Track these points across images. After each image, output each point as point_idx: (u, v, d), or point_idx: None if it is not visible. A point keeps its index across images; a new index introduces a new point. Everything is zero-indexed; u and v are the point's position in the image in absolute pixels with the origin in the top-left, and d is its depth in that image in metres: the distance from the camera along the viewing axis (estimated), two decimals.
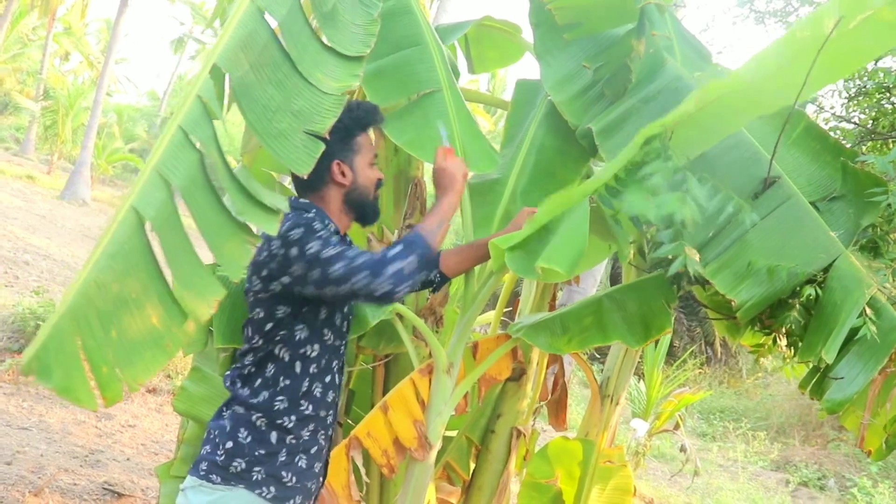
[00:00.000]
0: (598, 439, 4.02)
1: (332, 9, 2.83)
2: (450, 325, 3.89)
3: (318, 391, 2.69)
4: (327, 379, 2.72)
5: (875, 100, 7.10)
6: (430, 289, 3.08)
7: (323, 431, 2.75)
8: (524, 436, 4.07)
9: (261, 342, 2.62)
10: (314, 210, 2.68)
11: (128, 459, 6.74)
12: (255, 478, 2.58)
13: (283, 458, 2.62)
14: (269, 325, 2.61)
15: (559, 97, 3.48)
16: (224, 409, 2.70)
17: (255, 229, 2.23)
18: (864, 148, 7.11)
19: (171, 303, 2.07)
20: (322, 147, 2.42)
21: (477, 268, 3.22)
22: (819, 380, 3.15)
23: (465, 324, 3.30)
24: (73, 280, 2.05)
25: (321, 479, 2.83)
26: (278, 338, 2.61)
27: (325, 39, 2.74)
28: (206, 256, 2.23)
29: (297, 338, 2.62)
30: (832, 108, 7.91)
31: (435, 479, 4.07)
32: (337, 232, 2.70)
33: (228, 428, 2.62)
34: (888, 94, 6.83)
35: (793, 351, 3.24)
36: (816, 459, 12.64)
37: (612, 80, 3.42)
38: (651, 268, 3.72)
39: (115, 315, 2.02)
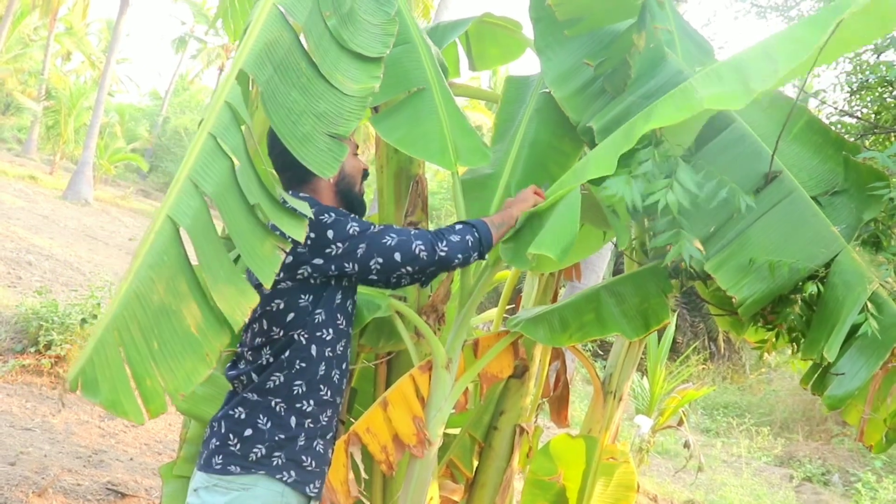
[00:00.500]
0: (601, 436, 4.01)
1: (349, 10, 2.85)
2: (450, 321, 3.89)
3: (336, 377, 2.75)
4: (343, 366, 2.79)
5: (877, 94, 7.09)
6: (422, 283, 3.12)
7: (336, 418, 2.82)
8: (527, 433, 4.06)
9: (281, 333, 2.66)
10: (316, 202, 2.71)
11: (131, 459, 6.74)
12: (275, 463, 2.61)
13: (302, 443, 2.66)
14: (290, 316, 2.65)
15: (560, 93, 3.47)
16: (229, 404, 2.71)
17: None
18: (866, 142, 7.10)
19: (209, 311, 2.10)
20: (346, 150, 2.48)
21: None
22: (821, 376, 3.14)
23: (462, 319, 3.31)
24: (115, 292, 2.08)
25: (330, 466, 2.88)
26: (298, 325, 2.66)
27: (344, 41, 2.75)
28: None
29: (316, 321, 2.67)
30: (835, 102, 7.90)
31: (438, 477, 4.07)
32: None
33: (244, 416, 2.64)
34: (891, 88, 6.82)
35: (795, 347, 3.22)
36: (820, 455, 12.64)
37: (613, 75, 3.41)
38: (653, 260, 3.71)
39: (156, 326, 2.04)
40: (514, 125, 3.70)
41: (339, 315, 2.73)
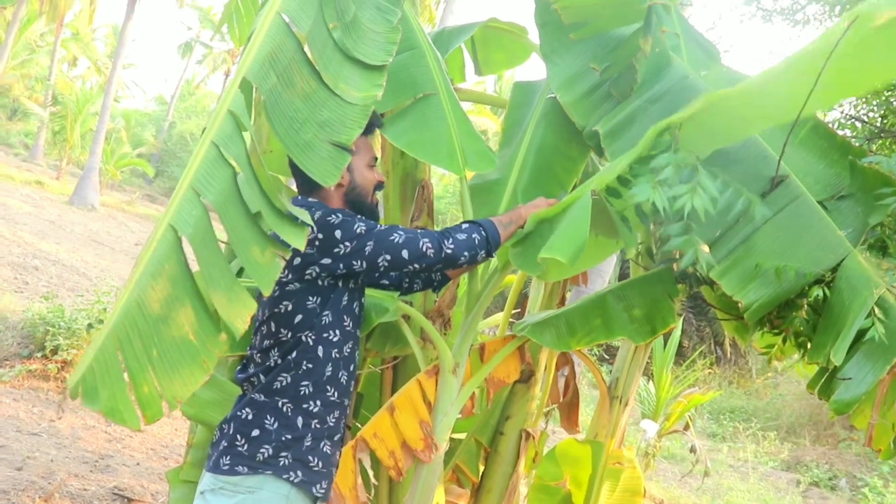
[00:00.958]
0: (608, 441, 4.01)
1: (353, 18, 2.86)
2: (457, 326, 3.89)
3: (343, 378, 2.78)
4: (351, 367, 2.82)
5: (884, 98, 7.08)
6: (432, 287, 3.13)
7: (344, 420, 2.85)
8: (533, 438, 4.07)
9: (289, 335, 2.69)
10: (325, 205, 2.76)
11: (137, 464, 6.75)
12: (281, 463, 2.63)
13: (309, 443, 2.69)
14: (299, 317, 2.68)
15: (566, 97, 3.48)
16: (237, 406, 2.74)
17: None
18: (873, 146, 7.09)
19: (207, 319, 2.12)
20: (348, 158, 2.48)
21: (480, 267, 3.27)
22: (827, 380, 3.12)
23: (469, 323, 3.31)
24: (116, 300, 2.09)
25: (337, 468, 2.90)
26: (305, 326, 2.68)
27: (347, 49, 2.76)
28: None
29: (323, 322, 2.70)
30: (841, 106, 7.89)
31: (444, 482, 4.07)
32: None
33: (252, 417, 2.68)
34: None
35: (802, 352, 3.22)
36: (827, 459, 12.61)
37: (619, 80, 3.42)
38: (660, 265, 3.71)
39: (155, 334, 2.07)
40: (521, 130, 3.72)
41: (345, 317, 2.75)
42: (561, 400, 4.44)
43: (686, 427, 9.32)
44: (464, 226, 2.79)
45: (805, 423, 14.45)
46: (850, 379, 3.00)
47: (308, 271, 2.64)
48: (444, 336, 3.55)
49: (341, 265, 2.63)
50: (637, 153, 2.55)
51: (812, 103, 2.40)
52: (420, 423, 3.28)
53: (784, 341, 3.28)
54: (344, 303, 2.73)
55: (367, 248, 2.62)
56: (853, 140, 6.68)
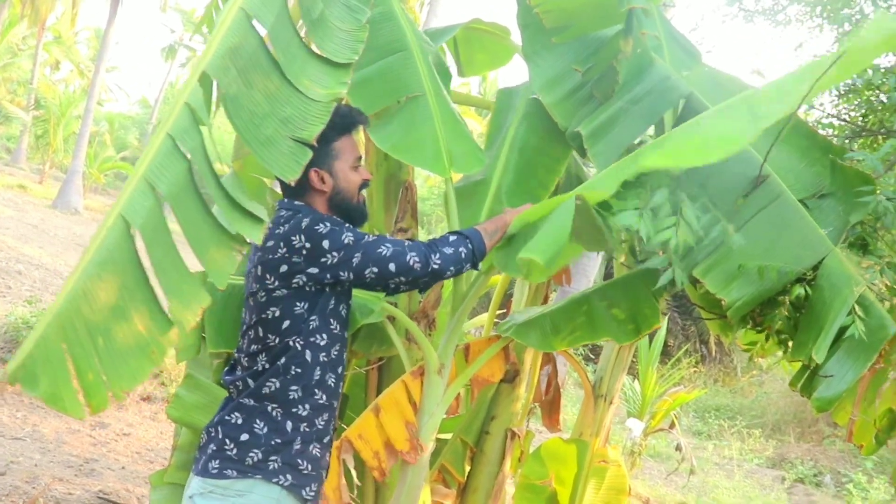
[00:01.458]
0: (593, 439, 4.03)
1: (320, 15, 2.86)
2: (442, 327, 3.90)
3: (331, 381, 2.77)
4: (339, 369, 2.81)
5: (865, 97, 7.12)
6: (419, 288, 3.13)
7: (334, 422, 2.84)
8: (518, 437, 4.08)
9: (277, 340, 2.69)
10: (312, 210, 2.75)
11: (122, 468, 6.73)
12: (271, 467, 2.63)
13: (298, 447, 2.69)
14: (286, 323, 2.68)
15: (549, 98, 3.48)
16: (225, 409, 2.73)
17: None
18: (854, 145, 7.12)
19: (158, 311, 2.12)
20: (309, 154, 2.48)
21: None
22: (809, 378, 3.15)
23: (454, 324, 3.32)
24: (60, 288, 2.07)
25: (328, 470, 2.90)
26: (293, 332, 2.68)
27: (313, 46, 2.76)
28: (192, 263, 2.24)
29: (310, 327, 2.69)
30: (822, 105, 7.93)
31: (430, 482, 4.07)
32: None
33: (241, 421, 2.67)
34: (878, 92, 6.85)
35: (784, 349, 3.24)
36: (812, 456, 12.65)
37: (601, 81, 3.42)
38: (640, 265, 3.73)
39: (101, 323, 2.06)
40: (503, 132, 3.72)
41: (332, 320, 2.74)
42: (543, 398, 4.46)
43: (671, 425, 9.36)
44: (451, 238, 2.78)
45: (790, 421, 14.50)
46: (831, 376, 3.04)
47: (295, 280, 2.63)
48: (428, 337, 3.56)
49: (328, 275, 2.63)
50: (626, 176, 2.52)
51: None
52: (405, 424, 3.28)
53: (767, 339, 3.30)
54: (331, 306, 2.73)
55: (355, 260, 2.62)
56: (834, 139, 6.72)
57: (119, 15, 27.35)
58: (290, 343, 2.67)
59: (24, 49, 40.72)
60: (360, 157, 2.89)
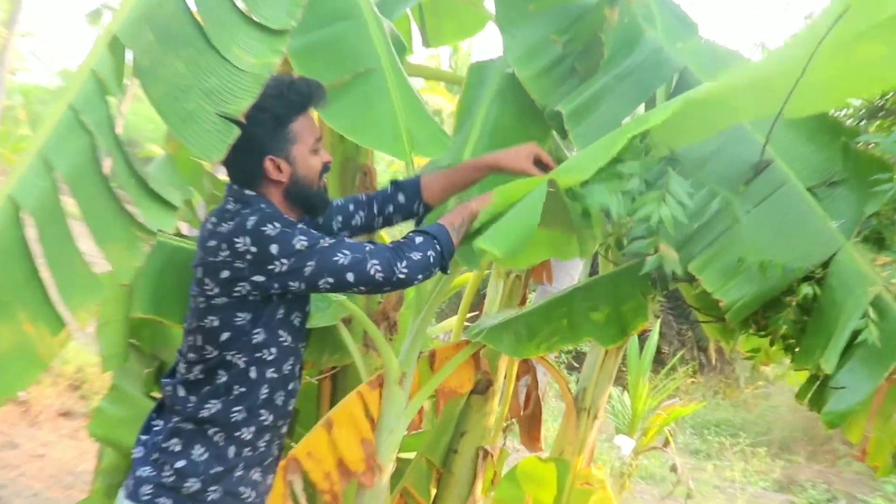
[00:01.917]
0: (575, 458, 4.05)
1: None
2: (404, 331, 3.90)
3: (280, 399, 2.75)
4: (290, 385, 2.79)
5: None
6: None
7: (278, 441, 2.84)
8: (491, 456, 4.09)
9: (215, 353, 2.64)
10: (265, 203, 2.66)
11: (35, 495, 6.68)
12: (210, 497, 2.63)
13: (240, 473, 2.69)
14: (225, 335, 2.62)
15: (524, 73, 3.47)
16: (159, 421, 2.72)
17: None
18: (870, 127, 7.17)
19: (48, 307, 2.08)
20: (236, 131, 2.41)
21: None
22: (819, 389, 3.15)
23: (418, 328, 3.32)
24: None
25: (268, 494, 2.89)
26: (235, 346, 2.63)
27: (244, 10, 2.70)
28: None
29: (255, 341, 2.65)
30: None
31: None
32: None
33: (179, 448, 2.64)
34: None
35: (790, 356, 3.26)
36: (825, 478, 12.74)
37: (584, 54, 3.42)
38: (628, 260, 3.74)
39: None
40: (474, 111, 3.70)
41: (282, 332, 2.70)
42: (522, 413, 4.48)
43: (666, 443, 9.39)
44: (417, 240, 2.70)
45: (799, 438, 14.57)
46: (843, 388, 3.03)
47: (237, 287, 2.56)
48: (389, 342, 3.57)
49: (275, 284, 2.55)
50: (606, 156, 2.54)
51: (793, 107, 2.44)
52: (361, 442, 3.29)
53: (771, 344, 3.31)
54: (280, 316, 2.69)
55: (307, 269, 2.54)
56: (847, 120, 6.77)
57: None
58: (230, 359, 2.63)
59: None
60: (319, 138, 2.80)
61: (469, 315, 4.70)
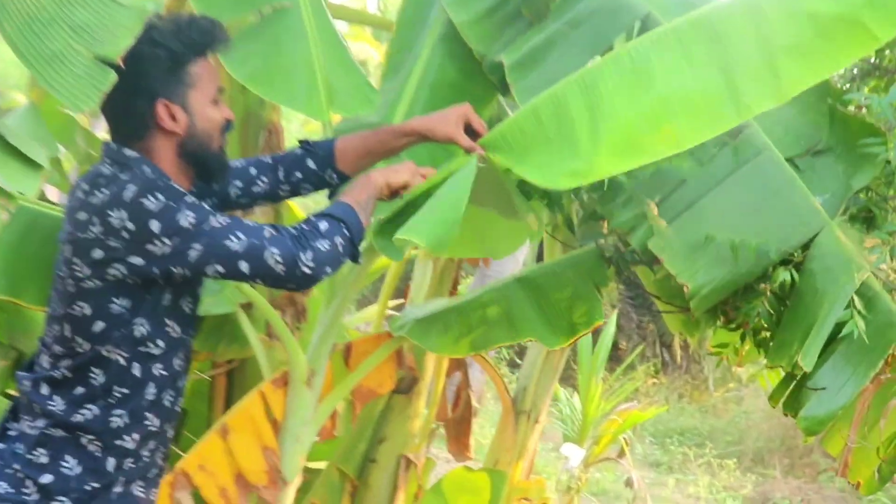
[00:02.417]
0: (512, 468, 4.05)
1: None
2: (314, 320, 3.88)
3: (168, 400, 2.68)
4: (179, 383, 2.73)
5: None
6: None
7: (163, 450, 2.76)
8: (415, 466, 4.09)
9: (88, 347, 2.54)
10: (149, 167, 2.56)
11: None
12: None
13: (120, 490, 2.60)
14: (100, 326, 2.52)
15: (461, 16, 3.44)
16: (17, 425, 2.64)
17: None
18: (865, 88, 7.24)
19: None
20: (112, 76, 2.33)
21: None
22: (795, 390, 3.17)
23: (331, 318, 3.28)
24: None
25: None
26: (111, 339, 2.54)
27: None
28: None
29: (137, 333, 2.55)
30: None
31: None
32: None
33: (46, 459, 2.53)
34: None
35: (763, 353, 3.27)
36: (803, 495, 12.90)
37: None
38: (583, 242, 3.74)
39: None
40: (411, 58, 3.64)
41: (169, 320, 2.63)
42: (449, 416, 4.48)
43: (621, 454, 9.47)
44: (322, 226, 2.61)
45: (775, 449, 14.73)
46: (823, 389, 3.06)
47: (112, 270, 2.47)
48: (296, 332, 3.55)
49: (155, 268, 2.47)
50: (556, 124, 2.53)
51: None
52: (263, 450, 3.27)
53: (742, 339, 3.32)
54: (166, 303, 2.60)
55: (193, 253, 2.46)
56: (837, 80, 6.84)
57: None
58: (107, 354, 2.54)
59: None
60: (221, 89, 2.72)
61: (392, 304, 4.69)
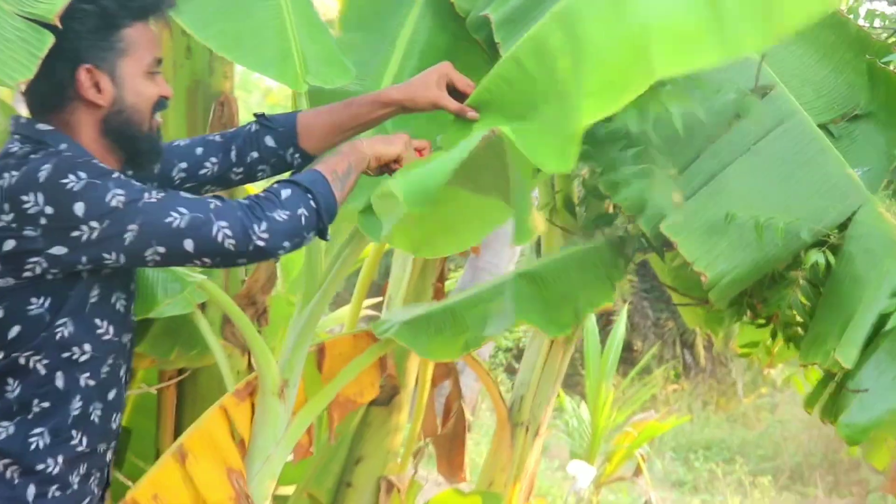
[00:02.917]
0: (508, 490, 4.04)
1: None
2: (282, 322, 3.87)
3: (96, 415, 2.60)
4: (111, 395, 2.64)
5: None
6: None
7: (98, 475, 2.69)
8: (397, 490, 4.08)
9: (1, 355, 2.48)
10: (66, 142, 2.51)
11: None
12: None
13: None
14: (15, 330, 2.47)
15: None
16: None
17: None
18: None
19: None
20: (49, 40, 2.32)
21: None
22: (834, 393, 3.16)
23: (306, 321, 3.26)
24: None
25: None
26: (30, 344, 2.48)
27: None
28: None
29: (59, 336, 2.49)
30: None
31: None
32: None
33: None
34: None
35: (793, 348, 3.25)
36: None
37: None
38: (587, 226, 3.73)
39: None
40: (396, 19, 3.62)
41: (99, 320, 2.57)
42: (439, 432, 4.46)
43: (637, 472, 9.45)
44: (284, 193, 2.56)
45: (817, 464, 14.66)
46: (865, 391, 3.02)
47: (28, 264, 2.41)
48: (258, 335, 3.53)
49: (84, 258, 2.42)
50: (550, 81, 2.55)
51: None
52: (228, 474, 3.23)
53: (773, 336, 3.31)
54: (94, 299, 2.55)
55: (129, 235, 2.41)
56: (877, 32, 6.85)
57: None
58: (24, 362, 2.49)
59: None
60: (160, 60, 2.66)
61: (368, 303, 4.68)
